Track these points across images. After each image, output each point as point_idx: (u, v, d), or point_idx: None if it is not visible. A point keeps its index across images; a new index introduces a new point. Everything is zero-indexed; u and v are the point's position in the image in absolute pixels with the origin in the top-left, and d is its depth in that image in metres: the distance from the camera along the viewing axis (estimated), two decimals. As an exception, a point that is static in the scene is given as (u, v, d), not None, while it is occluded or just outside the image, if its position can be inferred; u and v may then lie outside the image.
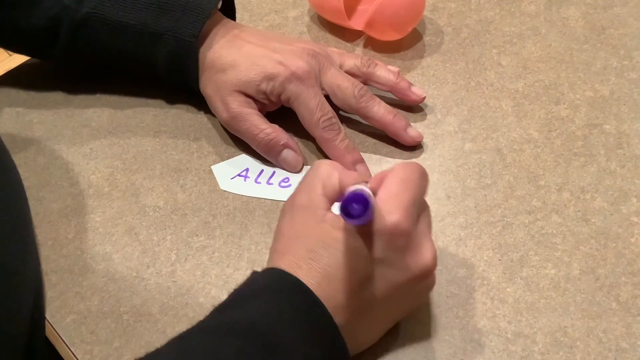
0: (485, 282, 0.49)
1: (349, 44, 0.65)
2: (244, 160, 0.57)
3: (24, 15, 0.57)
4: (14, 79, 0.65)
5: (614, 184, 0.53)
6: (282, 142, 0.55)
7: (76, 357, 0.47)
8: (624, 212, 0.52)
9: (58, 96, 0.63)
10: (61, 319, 0.49)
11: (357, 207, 0.38)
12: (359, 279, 0.42)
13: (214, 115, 0.59)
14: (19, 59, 0.65)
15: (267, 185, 0.56)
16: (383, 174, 0.45)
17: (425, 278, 0.43)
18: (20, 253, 0.43)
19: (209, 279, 0.50)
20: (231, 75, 0.55)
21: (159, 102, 0.62)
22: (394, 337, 0.46)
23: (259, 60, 0.55)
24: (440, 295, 0.48)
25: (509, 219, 0.52)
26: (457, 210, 0.53)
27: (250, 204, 0.54)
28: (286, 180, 0.56)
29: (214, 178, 0.56)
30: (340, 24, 0.65)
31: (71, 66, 0.63)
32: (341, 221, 0.42)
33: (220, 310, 0.42)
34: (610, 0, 0.66)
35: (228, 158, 0.57)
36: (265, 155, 0.56)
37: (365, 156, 0.56)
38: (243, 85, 0.55)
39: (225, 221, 0.53)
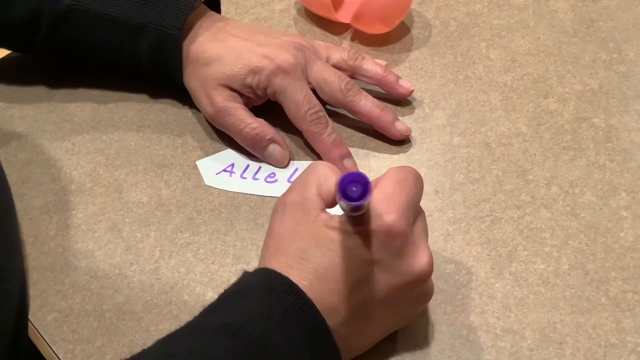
0: (473, 278, 0.48)
1: (336, 37, 0.64)
2: (229, 155, 0.56)
3: (2, 7, 0.56)
4: (-6, 73, 0.64)
5: (603, 177, 0.53)
6: (269, 137, 0.54)
7: (58, 356, 0.46)
8: (613, 206, 0.51)
9: (39, 90, 0.61)
10: (42, 318, 0.48)
11: (355, 189, 0.36)
12: (353, 280, 0.41)
13: (198, 110, 0.58)
14: (-1, 53, 0.64)
15: (253, 180, 0.55)
16: (377, 179, 0.44)
17: (420, 283, 0.42)
18: (5, 250, 0.42)
19: (193, 276, 0.49)
20: (216, 69, 0.54)
21: (143, 97, 0.60)
22: (381, 334, 0.46)
23: (244, 54, 0.54)
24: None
25: (497, 214, 0.51)
26: (446, 205, 0.52)
27: (235, 200, 0.53)
28: (272, 175, 0.55)
29: (199, 173, 0.55)
30: (327, 17, 0.64)
31: (52, 59, 0.62)
32: (335, 221, 0.41)
33: (210, 310, 0.41)
34: (598, -8, 0.65)
35: (213, 153, 0.56)
36: (251, 150, 0.55)
37: (353, 150, 0.55)
38: (228, 79, 0.54)
39: (210, 217, 0.52)
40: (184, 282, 0.49)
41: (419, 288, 0.42)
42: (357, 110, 0.55)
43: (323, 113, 0.54)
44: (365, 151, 0.56)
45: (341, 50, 0.57)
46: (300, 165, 0.55)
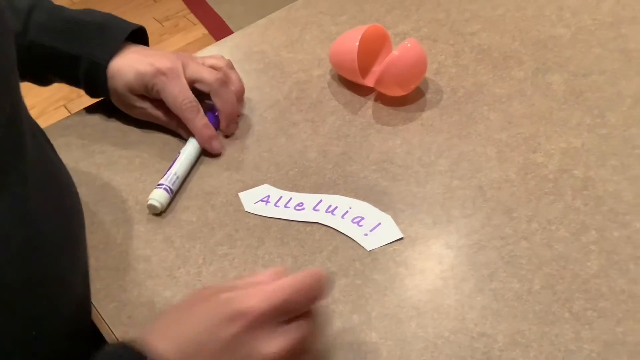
0: (459, 292, 0.58)
1: (362, 98, 0.76)
2: (265, 188, 0.68)
3: None
4: (82, 117, 0.78)
5: (577, 218, 0.62)
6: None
7: (115, 337, 0.58)
8: (584, 241, 0.60)
9: (117, 132, 0.75)
10: (105, 305, 0.60)
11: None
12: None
13: (243, 150, 0.70)
14: (87, 100, 0.78)
15: (285, 208, 0.66)
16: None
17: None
18: (70, 265, 0.52)
19: (228, 279, 0.60)
20: (118, 79, 0.70)
21: (199, 140, 0.74)
22: (370, 332, 0.55)
23: (134, 64, 0.70)
24: (419, 301, 0.57)
25: (483, 243, 0.61)
26: (441, 233, 0.62)
27: (267, 222, 0.65)
28: (300, 204, 0.66)
29: (239, 201, 0.67)
30: (356, 82, 0.77)
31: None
32: None
33: None
34: (589, 69, 0.76)
35: (252, 184, 0.68)
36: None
37: (367, 187, 0.66)
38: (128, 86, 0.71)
39: (245, 235, 0.64)
40: (220, 283, 0.60)
41: None
42: (222, 99, 0.71)
43: (196, 103, 0.70)
44: (381, 187, 0.66)
45: (215, 58, 0.75)
46: (325, 197, 0.66)
